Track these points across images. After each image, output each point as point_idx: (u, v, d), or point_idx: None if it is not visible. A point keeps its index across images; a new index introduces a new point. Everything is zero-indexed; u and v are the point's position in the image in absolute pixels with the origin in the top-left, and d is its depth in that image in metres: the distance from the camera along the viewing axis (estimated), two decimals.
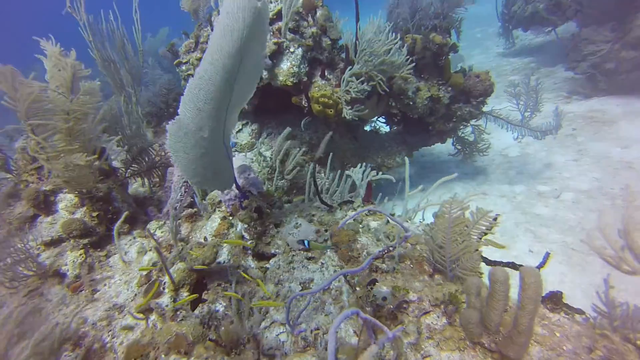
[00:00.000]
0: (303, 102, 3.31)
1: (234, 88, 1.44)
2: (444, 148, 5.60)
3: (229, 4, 1.24)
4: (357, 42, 3.34)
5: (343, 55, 3.45)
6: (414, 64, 3.32)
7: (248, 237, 1.88)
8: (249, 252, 1.88)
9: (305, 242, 1.65)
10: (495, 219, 1.79)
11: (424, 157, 6.02)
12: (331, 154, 2.83)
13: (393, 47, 3.26)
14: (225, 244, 1.89)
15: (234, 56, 1.31)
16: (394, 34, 3.14)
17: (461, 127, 4.40)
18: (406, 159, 1.52)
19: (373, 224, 1.96)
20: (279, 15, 3.17)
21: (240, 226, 1.92)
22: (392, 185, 5.35)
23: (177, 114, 1.41)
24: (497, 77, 8.40)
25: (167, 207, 2.53)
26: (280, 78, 3.13)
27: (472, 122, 4.39)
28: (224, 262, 1.90)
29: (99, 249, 2.22)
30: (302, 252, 1.85)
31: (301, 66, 3.16)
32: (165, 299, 1.70)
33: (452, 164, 5.44)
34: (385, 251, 1.63)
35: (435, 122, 4.12)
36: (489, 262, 1.76)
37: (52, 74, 1.78)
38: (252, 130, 3.65)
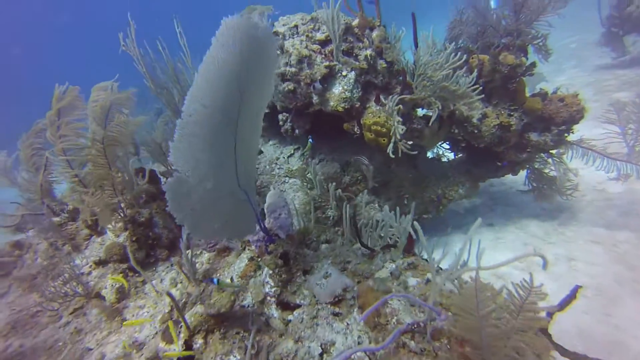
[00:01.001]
0: (355, 129, 3.10)
1: (237, 126, 1.28)
2: (518, 177, 4.95)
3: (224, 34, 1.09)
4: (415, 64, 3.08)
5: (401, 79, 3.20)
6: (480, 88, 2.93)
7: (272, 284, 1.70)
8: (273, 300, 1.69)
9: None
10: (574, 293, 1.38)
11: (493, 186, 5.38)
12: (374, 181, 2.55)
13: (454, 71, 2.93)
14: (250, 287, 1.74)
15: (232, 94, 1.15)
16: (456, 55, 2.81)
17: (537, 158, 3.81)
18: (479, 220, 1.20)
19: (412, 281, 1.65)
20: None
21: (265, 271, 1.75)
22: (456, 216, 4.85)
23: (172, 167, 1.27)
24: (596, 94, 7.25)
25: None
26: (332, 103, 2.97)
27: (553, 153, 3.78)
28: (248, 306, 1.74)
29: (137, 274, 2.22)
30: (328, 305, 1.62)
31: (354, 91, 2.97)
32: (176, 347, 1.58)
33: (528, 196, 4.77)
34: (415, 325, 1.32)
35: (505, 152, 3.62)
36: (566, 354, 1.35)
37: (90, 106, 1.82)
38: (304, 155, 3.53)
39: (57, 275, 2.11)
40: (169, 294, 1.42)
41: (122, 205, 2.13)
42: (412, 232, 2.07)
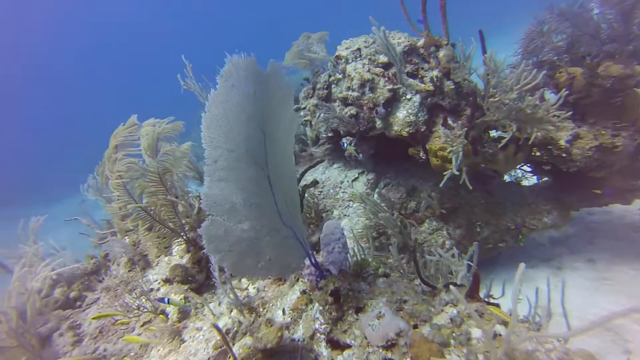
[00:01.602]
0: (421, 154, 2.95)
1: (268, 165, 1.27)
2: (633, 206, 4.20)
3: (233, 75, 1.08)
4: (486, 85, 2.84)
5: (471, 99, 2.98)
6: (568, 111, 2.59)
7: (322, 321, 1.64)
8: (323, 337, 1.63)
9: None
10: None
11: (593, 215, 4.64)
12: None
13: (530, 92, 2.63)
14: (301, 321, 1.70)
15: (255, 135, 1.14)
16: (531, 73, 2.53)
17: None
18: (521, 266, 1.04)
19: (475, 333, 1.46)
20: None
21: (316, 306, 1.70)
22: (540, 247, 4.28)
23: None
24: None
25: None
26: (395, 127, 2.87)
27: None
28: (298, 340, 1.70)
29: (199, 295, 2.33)
30: (380, 349, 1.50)
31: (419, 114, 2.84)
32: None
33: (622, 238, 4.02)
34: None
35: (607, 178, 3.13)
36: None
37: (142, 139, 2.01)
38: (368, 180, 3.46)
39: (132, 289, 2.31)
40: (216, 326, 1.44)
41: (186, 227, 2.28)
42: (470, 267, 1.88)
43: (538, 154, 3.25)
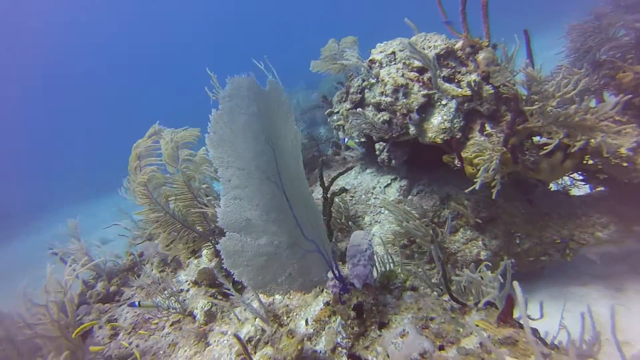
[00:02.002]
0: (456, 162, 2.83)
1: (282, 180, 1.26)
2: None
3: (235, 95, 1.09)
4: (529, 90, 2.67)
5: (512, 104, 2.81)
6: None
7: (344, 335, 1.62)
8: (344, 352, 1.61)
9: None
10: None
11: None
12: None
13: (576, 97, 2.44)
14: (323, 334, 1.69)
15: (264, 152, 1.14)
16: (577, 78, 2.34)
17: None
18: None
19: None
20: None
21: (339, 319, 1.68)
22: (592, 263, 3.93)
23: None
24: None
25: None
26: (429, 134, 2.78)
27: None
28: (320, 352, 1.69)
29: (225, 298, 2.39)
30: None
31: (454, 121, 2.73)
32: None
33: None
34: None
35: None
36: None
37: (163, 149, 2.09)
38: (401, 186, 3.37)
39: (164, 288, 2.42)
40: (237, 336, 1.47)
41: (216, 231, 2.34)
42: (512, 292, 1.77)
43: (591, 162, 3.01)
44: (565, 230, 3.34)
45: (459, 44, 2.99)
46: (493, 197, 2.59)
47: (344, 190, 2.54)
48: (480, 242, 3.28)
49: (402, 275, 2.07)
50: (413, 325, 1.60)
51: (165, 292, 2.39)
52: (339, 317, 1.69)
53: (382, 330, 1.64)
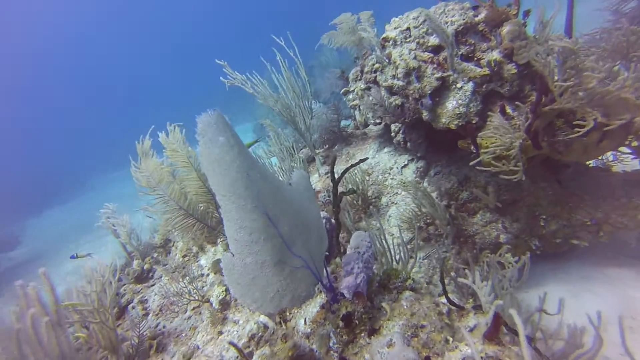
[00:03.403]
0: (472, 148, 2.69)
1: (262, 202, 1.32)
2: None
3: (207, 131, 1.20)
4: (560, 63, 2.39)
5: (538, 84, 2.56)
6: None
7: (335, 341, 1.71)
8: (336, 355, 1.71)
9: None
10: None
11: None
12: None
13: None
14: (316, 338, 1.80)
15: (240, 178, 1.26)
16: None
17: None
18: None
19: None
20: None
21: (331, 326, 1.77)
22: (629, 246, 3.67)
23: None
24: None
25: None
26: (443, 120, 2.63)
27: None
28: (316, 351, 1.82)
29: None
30: None
31: (471, 105, 2.55)
32: None
33: None
34: None
35: None
36: None
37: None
38: (417, 168, 3.29)
39: (185, 274, 2.64)
40: (232, 344, 1.60)
41: None
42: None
43: (635, 143, 2.72)
44: (599, 213, 3.12)
45: (482, 16, 2.70)
46: (515, 181, 2.46)
47: (353, 191, 2.54)
48: (500, 225, 3.18)
49: (403, 274, 2.09)
50: (401, 335, 1.65)
51: (187, 277, 2.62)
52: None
53: (372, 337, 1.71)
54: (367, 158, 3.10)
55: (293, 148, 4.17)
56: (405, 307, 1.85)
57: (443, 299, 1.98)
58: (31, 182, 21.01)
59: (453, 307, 1.89)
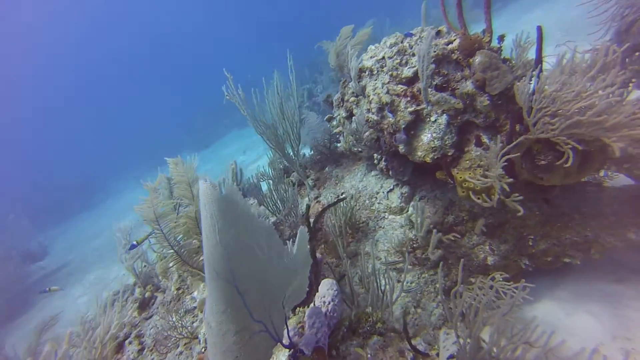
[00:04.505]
0: (449, 180, 2.69)
1: (232, 274, 1.42)
2: None
3: (201, 202, 1.34)
4: (534, 95, 2.36)
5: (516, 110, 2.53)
6: None
7: None
8: None
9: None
10: None
11: None
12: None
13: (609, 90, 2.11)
14: None
15: (217, 251, 1.38)
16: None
17: None
18: None
19: None
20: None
21: None
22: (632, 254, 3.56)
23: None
24: None
25: None
26: (419, 153, 2.64)
27: None
28: None
29: None
30: None
31: (445, 138, 2.55)
32: None
33: None
34: None
35: None
36: None
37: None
38: (402, 193, 3.30)
39: (178, 309, 2.76)
40: None
41: None
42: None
43: (614, 167, 2.67)
44: (588, 232, 3.08)
45: (455, 44, 2.69)
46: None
47: (340, 199, 2.62)
48: (487, 247, 3.17)
49: (374, 317, 2.15)
50: None
51: (179, 312, 2.74)
52: None
53: None
54: (344, 198, 3.13)
55: (284, 171, 4.25)
56: (369, 356, 1.90)
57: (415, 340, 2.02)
58: (52, 190, 21.89)
59: (418, 355, 1.94)
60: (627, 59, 2.54)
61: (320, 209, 3.69)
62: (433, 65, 2.45)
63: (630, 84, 2.63)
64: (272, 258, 1.60)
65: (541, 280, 3.55)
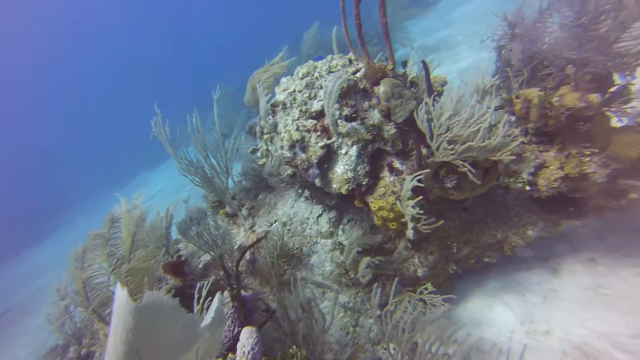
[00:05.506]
0: (366, 208, 2.78)
1: None
2: None
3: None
4: (431, 123, 2.51)
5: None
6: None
7: None
8: None
9: None
10: None
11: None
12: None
13: (484, 125, 2.29)
14: None
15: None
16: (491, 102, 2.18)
17: None
18: None
19: None
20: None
21: None
22: (543, 242, 3.87)
23: None
24: None
25: None
26: (334, 185, 2.70)
27: None
28: None
29: None
30: None
31: (358, 168, 2.63)
32: None
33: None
34: None
35: (588, 199, 2.77)
36: None
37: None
38: (330, 218, 3.36)
39: None
40: None
41: None
42: None
43: (512, 179, 2.92)
44: (500, 234, 3.34)
45: (361, 73, 2.78)
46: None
47: (260, 239, 2.61)
48: (416, 260, 3.33)
49: (298, 356, 2.17)
50: None
51: None
52: None
53: None
54: (263, 237, 3.13)
55: (219, 202, 4.15)
56: None
57: None
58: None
59: None
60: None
61: (255, 239, 3.67)
62: (337, 104, 2.50)
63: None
64: (190, 350, 1.56)
65: (470, 279, 3.83)
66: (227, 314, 2.77)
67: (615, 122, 2.42)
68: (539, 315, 3.18)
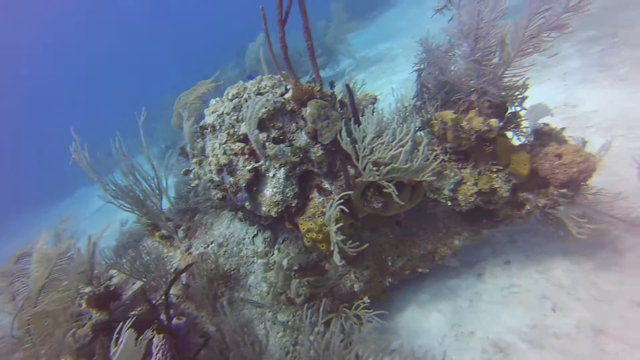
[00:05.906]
0: (296, 230, 2.80)
1: None
2: None
3: None
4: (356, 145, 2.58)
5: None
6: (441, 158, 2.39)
7: None
8: None
9: None
10: None
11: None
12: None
13: (404, 148, 2.40)
14: None
15: None
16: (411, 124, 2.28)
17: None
18: None
19: None
20: (259, 124, 2.65)
21: None
22: (470, 249, 4.11)
23: None
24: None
25: None
26: (264, 208, 2.68)
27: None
28: None
29: None
30: None
31: (287, 191, 2.64)
32: None
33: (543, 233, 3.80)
34: None
35: (498, 210, 3.00)
36: None
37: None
38: (265, 239, 3.33)
39: None
40: None
41: None
42: None
43: (435, 195, 3.08)
44: (430, 245, 3.51)
45: (289, 95, 2.80)
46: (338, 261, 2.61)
47: (189, 266, 2.52)
48: (352, 275, 3.39)
49: None
50: None
51: None
52: None
53: None
54: (192, 264, 3.05)
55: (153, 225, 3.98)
56: None
57: None
58: None
59: None
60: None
61: (190, 261, 3.55)
62: (257, 130, 2.50)
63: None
64: None
65: (406, 288, 3.98)
66: (157, 345, 2.65)
67: (515, 141, 2.67)
68: (466, 318, 3.39)
